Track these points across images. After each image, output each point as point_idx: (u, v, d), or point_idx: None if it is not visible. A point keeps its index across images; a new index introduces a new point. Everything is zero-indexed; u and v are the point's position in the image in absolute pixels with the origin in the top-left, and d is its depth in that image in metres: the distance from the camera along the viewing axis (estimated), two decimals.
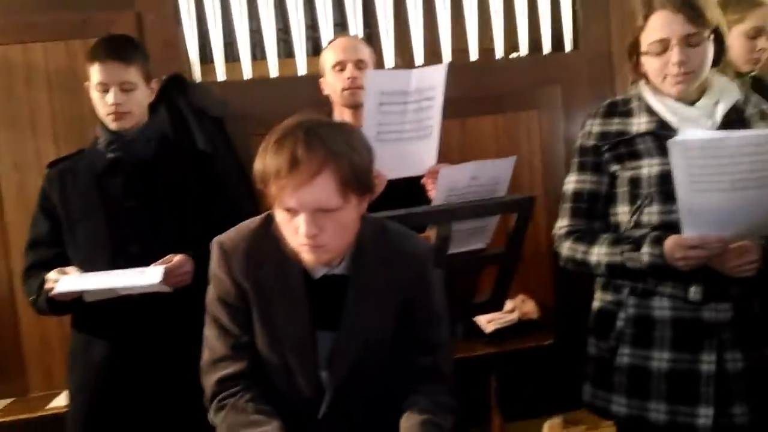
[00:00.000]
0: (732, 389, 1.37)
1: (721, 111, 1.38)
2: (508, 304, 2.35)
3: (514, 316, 2.33)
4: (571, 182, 1.50)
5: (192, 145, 2.03)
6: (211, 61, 2.33)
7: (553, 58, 2.53)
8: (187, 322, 1.31)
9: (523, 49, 2.53)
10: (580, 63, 2.51)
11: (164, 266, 1.46)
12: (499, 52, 2.51)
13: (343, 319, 1.16)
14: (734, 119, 1.39)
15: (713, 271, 1.33)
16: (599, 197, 1.46)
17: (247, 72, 2.34)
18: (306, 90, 2.05)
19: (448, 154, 1.83)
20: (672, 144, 1.21)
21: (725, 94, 1.40)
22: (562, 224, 1.50)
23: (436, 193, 1.55)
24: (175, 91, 2.10)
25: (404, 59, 2.45)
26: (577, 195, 1.48)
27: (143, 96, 1.63)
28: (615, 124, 1.45)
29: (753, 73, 1.98)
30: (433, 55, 2.45)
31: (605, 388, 1.46)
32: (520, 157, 2.04)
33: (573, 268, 1.48)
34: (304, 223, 1.05)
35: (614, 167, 1.43)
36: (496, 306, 1.80)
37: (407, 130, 1.60)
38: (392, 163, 1.56)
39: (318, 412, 1.17)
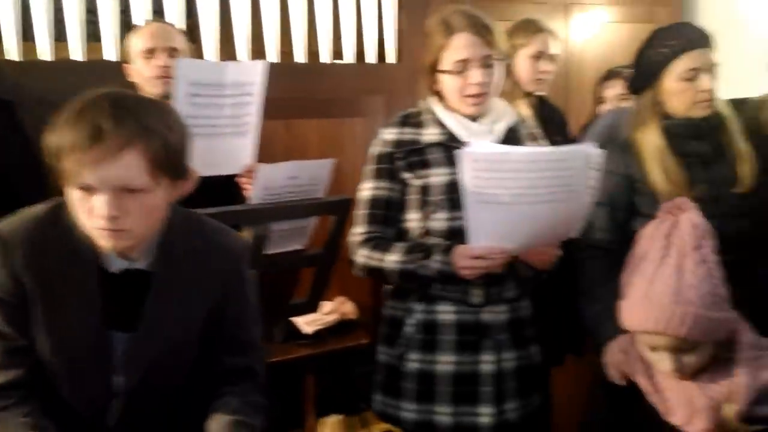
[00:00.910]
0: (506, 387, 1.48)
1: (501, 129, 1.50)
2: (328, 306, 2.38)
3: (334, 317, 2.37)
4: (367, 189, 1.52)
5: None
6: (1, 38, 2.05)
7: (377, 68, 2.63)
8: None
9: (348, 57, 2.59)
10: (402, 75, 2.62)
11: None
12: (325, 56, 2.54)
13: (142, 319, 1.07)
14: (510, 137, 1.52)
15: (492, 275, 1.43)
16: (393, 204, 1.51)
17: (45, 53, 2.10)
18: (113, 76, 1.89)
19: (271, 155, 1.80)
20: (460, 154, 1.28)
21: (504, 114, 1.53)
22: (358, 231, 1.51)
23: (253, 192, 1.52)
24: None
25: (227, 56, 2.38)
26: (373, 202, 1.51)
27: None
28: (408, 134, 1.51)
29: (539, 93, 2.22)
30: (258, 54, 2.41)
31: (394, 396, 1.51)
32: (343, 162, 2.07)
33: (368, 275, 1.51)
34: (104, 203, 0.95)
35: (406, 175, 1.49)
36: (312, 307, 1.82)
37: (223, 125, 1.54)
38: (206, 159, 1.49)
39: (109, 420, 1.08)
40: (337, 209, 1.58)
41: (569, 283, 1.64)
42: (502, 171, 1.24)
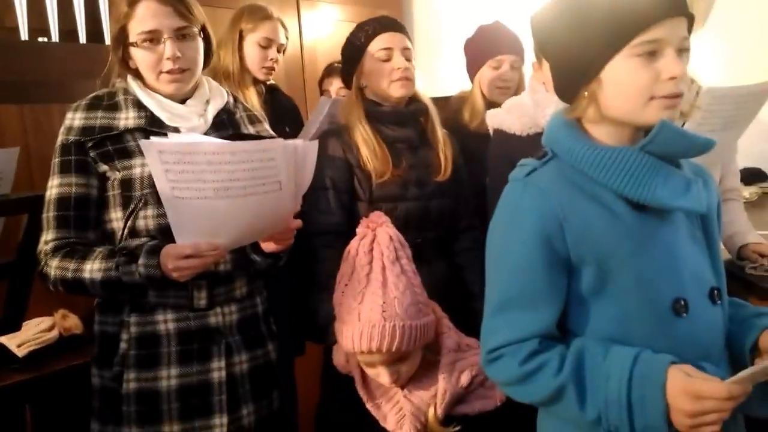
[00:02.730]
0: (240, 392, 1.38)
1: (212, 111, 1.39)
2: (47, 321, 2.07)
3: (54, 333, 2.07)
4: (54, 187, 1.31)
5: None
6: None
7: (90, 49, 2.33)
8: None
9: (55, 36, 2.26)
10: None
11: None
12: (24, 33, 2.18)
13: None
14: (225, 120, 1.42)
15: (216, 273, 1.34)
16: (90, 202, 1.31)
17: None
18: None
19: None
20: (146, 146, 1.11)
21: (215, 95, 1.43)
22: (47, 238, 1.29)
23: None
24: None
25: None
26: (62, 201, 1.29)
27: None
28: (99, 119, 1.33)
29: (270, 83, 2.17)
30: None
31: (114, 422, 1.33)
32: (49, 153, 1.80)
33: (67, 290, 1.29)
34: None
35: (103, 167, 1.31)
36: (13, 325, 1.54)
37: None
38: None
39: None
40: (29, 207, 1.33)
41: (303, 271, 1.62)
42: (197, 164, 1.11)
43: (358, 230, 1.27)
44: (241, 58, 2.03)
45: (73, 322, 2.12)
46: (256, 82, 2.07)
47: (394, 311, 1.16)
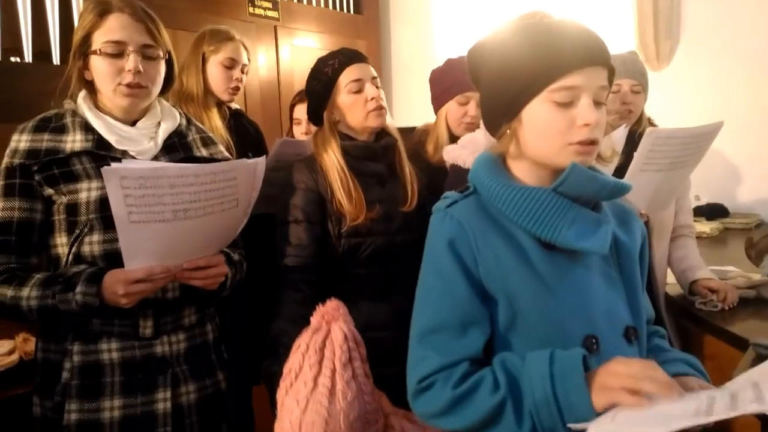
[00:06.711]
0: (187, 424, 1.34)
1: (162, 133, 1.37)
2: (6, 345, 2.06)
3: (14, 357, 2.06)
4: None
5: None
6: None
7: (64, 70, 2.36)
8: None
9: (28, 56, 2.29)
10: None
11: None
12: None
13: None
14: (176, 142, 1.40)
15: (164, 301, 1.31)
16: (33, 227, 1.29)
17: None
18: None
19: None
20: (107, 173, 1.09)
21: (167, 117, 1.41)
22: None
23: None
24: None
25: None
26: (3, 226, 1.26)
27: None
28: (46, 141, 1.30)
29: (234, 107, 2.16)
30: None
31: None
32: None
33: (5, 317, 1.26)
34: None
35: (49, 191, 1.28)
36: None
37: None
38: None
39: None
40: None
41: (261, 299, 1.58)
42: (160, 187, 1.11)
43: (312, 320, 1.19)
44: (205, 81, 2.03)
45: (33, 347, 2.11)
46: (219, 105, 2.07)
47: (338, 427, 1.08)
